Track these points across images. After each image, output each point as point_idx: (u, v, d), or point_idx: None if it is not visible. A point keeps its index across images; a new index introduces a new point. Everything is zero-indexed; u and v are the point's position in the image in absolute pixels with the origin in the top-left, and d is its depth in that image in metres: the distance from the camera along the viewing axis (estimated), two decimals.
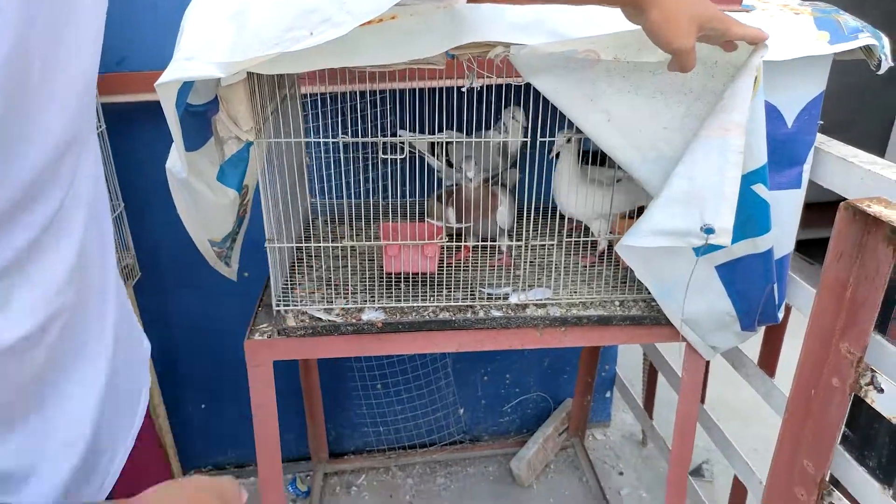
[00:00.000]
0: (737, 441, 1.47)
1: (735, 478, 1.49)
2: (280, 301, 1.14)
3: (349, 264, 1.26)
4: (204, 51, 0.88)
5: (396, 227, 1.16)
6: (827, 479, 1.06)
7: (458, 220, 1.16)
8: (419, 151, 1.40)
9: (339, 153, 1.47)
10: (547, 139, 1.11)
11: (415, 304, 1.15)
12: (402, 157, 1.08)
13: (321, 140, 1.14)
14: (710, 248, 1.09)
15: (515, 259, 1.31)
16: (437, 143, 1.36)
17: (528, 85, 1.01)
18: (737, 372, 1.40)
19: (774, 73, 1.00)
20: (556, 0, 0.87)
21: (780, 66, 0.99)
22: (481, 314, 1.16)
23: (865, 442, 1.15)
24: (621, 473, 2.04)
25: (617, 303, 1.21)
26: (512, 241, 1.29)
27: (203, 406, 1.93)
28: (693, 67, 0.85)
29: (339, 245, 1.20)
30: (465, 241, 1.26)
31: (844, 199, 0.95)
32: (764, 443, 1.47)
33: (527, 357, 2.03)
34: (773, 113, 1.04)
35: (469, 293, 1.20)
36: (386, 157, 1.35)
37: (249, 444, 1.26)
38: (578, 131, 1.11)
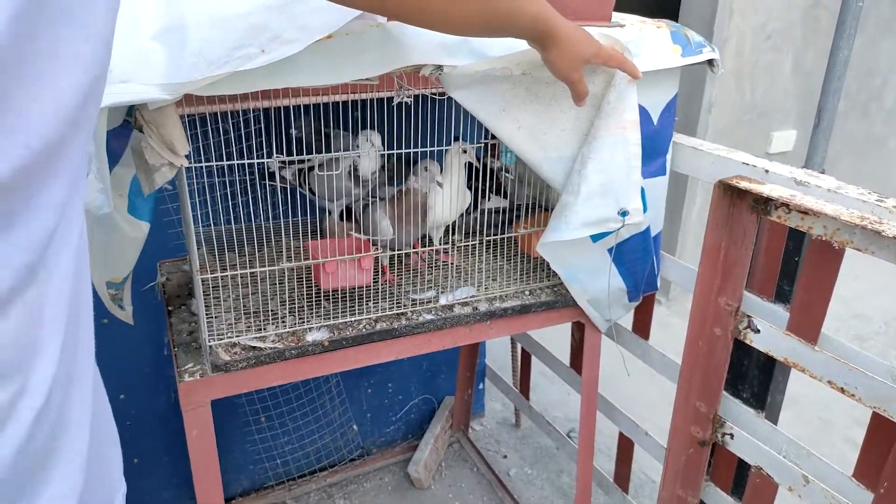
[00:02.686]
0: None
1: (620, 434, 1.69)
2: (213, 335, 1.07)
3: (267, 289, 1.23)
4: (139, 73, 0.82)
5: (325, 243, 1.15)
6: (720, 415, 1.28)
7: (394, 229, 1.19)
8: (280, 176, 1.34)
9: (221, 176, 1.40)
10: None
11: (351, 319, 1.16)
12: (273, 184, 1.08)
13: (250, 161, 1.09)
14: (603, 234, 1.25)
15: (439, 263, 1.36)
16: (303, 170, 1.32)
17: (390, 100, 1.07)
18: (612, 341, 1.60)
19: (642, 80, 1.18)
20: (472, 32, 0.96)
21: (646, 74, 1.17)
22: (415, 319, 1.20)
23: (738, 378, 1.40)
24: (505, 456, 2.18)
25: (528, 292, 1.32)
26: (435, 244, 1.35)
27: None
28: (586, 93, 1.02)
29: (277, 268, 1.16)
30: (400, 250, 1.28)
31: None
32: (631, 402, 1.69)
33: (406, 364, 2.08)
34: (642, 113, 1.23)
35: (395, 301, 1.23)
36: (262, 182, 1.32)
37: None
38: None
